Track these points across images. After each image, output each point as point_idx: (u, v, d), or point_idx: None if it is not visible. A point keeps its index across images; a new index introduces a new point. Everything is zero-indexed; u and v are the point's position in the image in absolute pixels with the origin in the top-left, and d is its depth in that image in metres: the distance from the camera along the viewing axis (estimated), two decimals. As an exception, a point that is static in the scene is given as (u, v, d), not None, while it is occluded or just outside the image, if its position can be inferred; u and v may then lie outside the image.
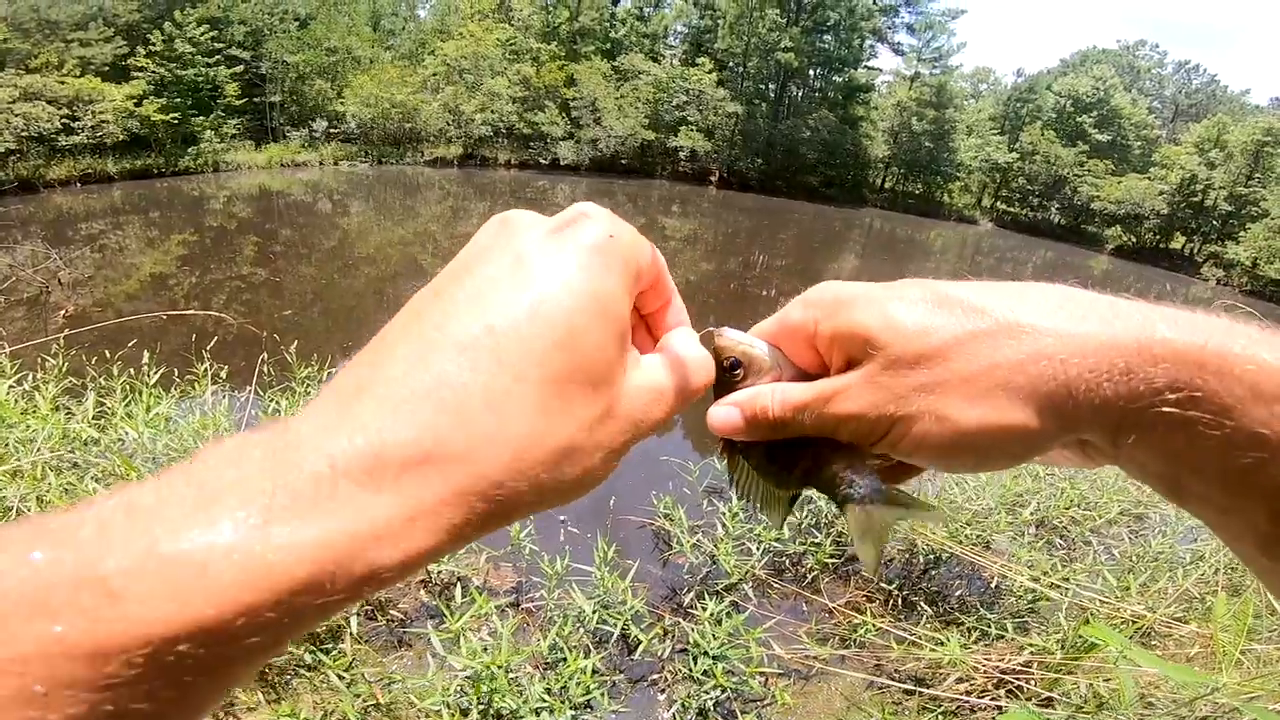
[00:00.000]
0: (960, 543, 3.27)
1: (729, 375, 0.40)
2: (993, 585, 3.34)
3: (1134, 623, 2.45)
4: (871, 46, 37.13)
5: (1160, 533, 3.44)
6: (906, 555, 3.67)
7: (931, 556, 3.51)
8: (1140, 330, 0.30)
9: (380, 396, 0.25)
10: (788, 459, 0.39)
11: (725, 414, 0.38)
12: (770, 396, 0.38)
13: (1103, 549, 3.35)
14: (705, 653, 3.12)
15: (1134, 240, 33.63)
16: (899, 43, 37.75)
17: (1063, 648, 2.66)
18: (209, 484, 0.22)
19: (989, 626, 3.08)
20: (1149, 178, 32.28)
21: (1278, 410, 0.27)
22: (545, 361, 0.26)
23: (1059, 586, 2.94)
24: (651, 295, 0.37)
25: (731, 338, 0.41)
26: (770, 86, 36.15)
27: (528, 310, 0.27)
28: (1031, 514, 3.38)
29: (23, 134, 17.96)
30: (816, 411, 0.36)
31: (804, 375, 0.39)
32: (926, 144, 35.56)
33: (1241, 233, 29.35)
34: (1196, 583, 2.76)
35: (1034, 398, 0.31)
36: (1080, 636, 2.54)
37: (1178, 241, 33.63)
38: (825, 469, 0.38)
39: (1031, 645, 2.79)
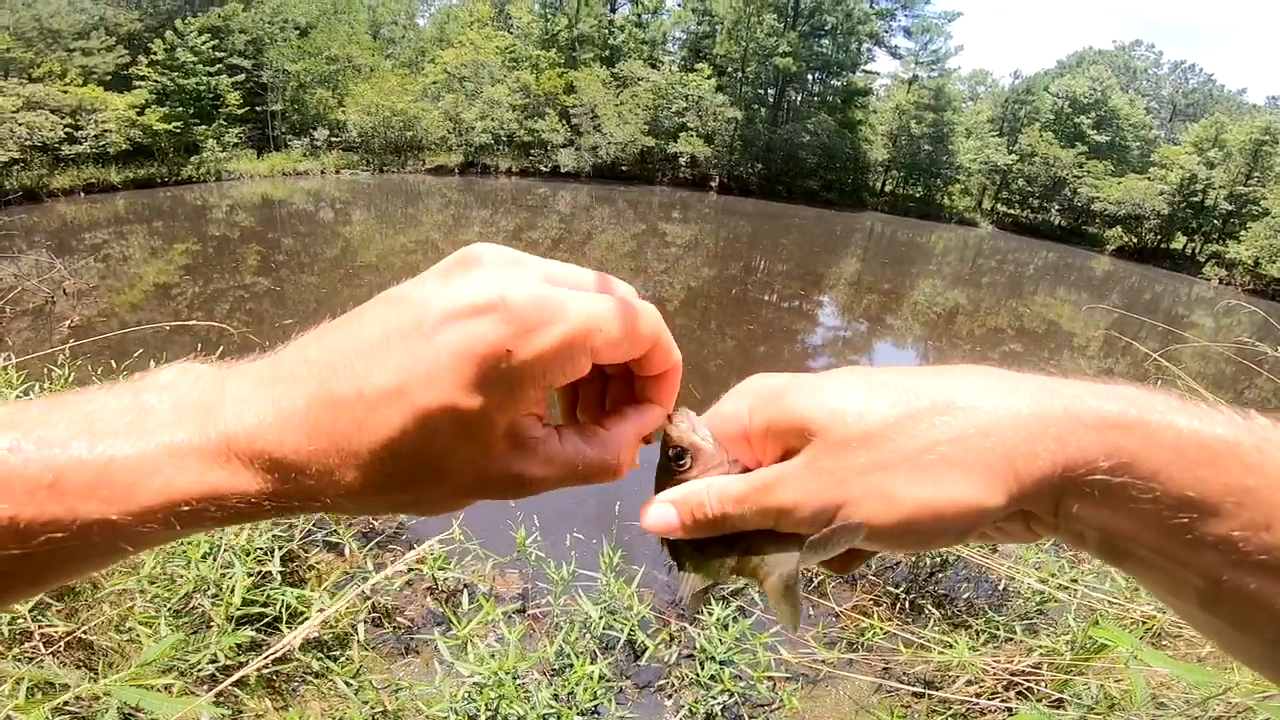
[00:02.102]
0: (967, 545, 3.26)
1: (675, 466, 0.38)
2: (1000, 588, 3.33)
3: (1144, 623, 2.44)
4: (869, 50, 37.26)
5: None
6: (913, 559, 3.66)
7: (938, 560, 3.51)
8: (1069, 402, 0.31)
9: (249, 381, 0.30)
10: (720, 551, 0.37)
11: (660, 513, 0.37)
12: (706, 493, 0.36)
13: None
14: (712, 658, 3.11)
15: (1135, 241, 33.59)
16: (896, 46, 37.91)
17: (1072, 649, 2.65)
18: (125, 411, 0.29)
19: (997, 629, 3.07)
20: (1148, 178, 32.27)
21: (1200, 473, 0.29)
22: (362, 447, 0.29)
23: (1067, 588, 2.93)
24: (642, 363, 0.37)
25: (682, 427, 0.39)
26: (769, 91, 36.26)
27: (367, 389, 0.29)
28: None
29: (26, 143, 18.05)
30: (756, 504, 0.35)
31: (750, 471, 0.37)
32: (926, 147, 35.61)
33: (1243, 232, 29.30)
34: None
35: (977, 470, 0.31)
36: (1090, 638, 2.53)
37: (1179, 241, 33.59)
38: (756, 559, 0.36)
39: (1041, 647, 2.78)
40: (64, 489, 0.26)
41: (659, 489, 0.39)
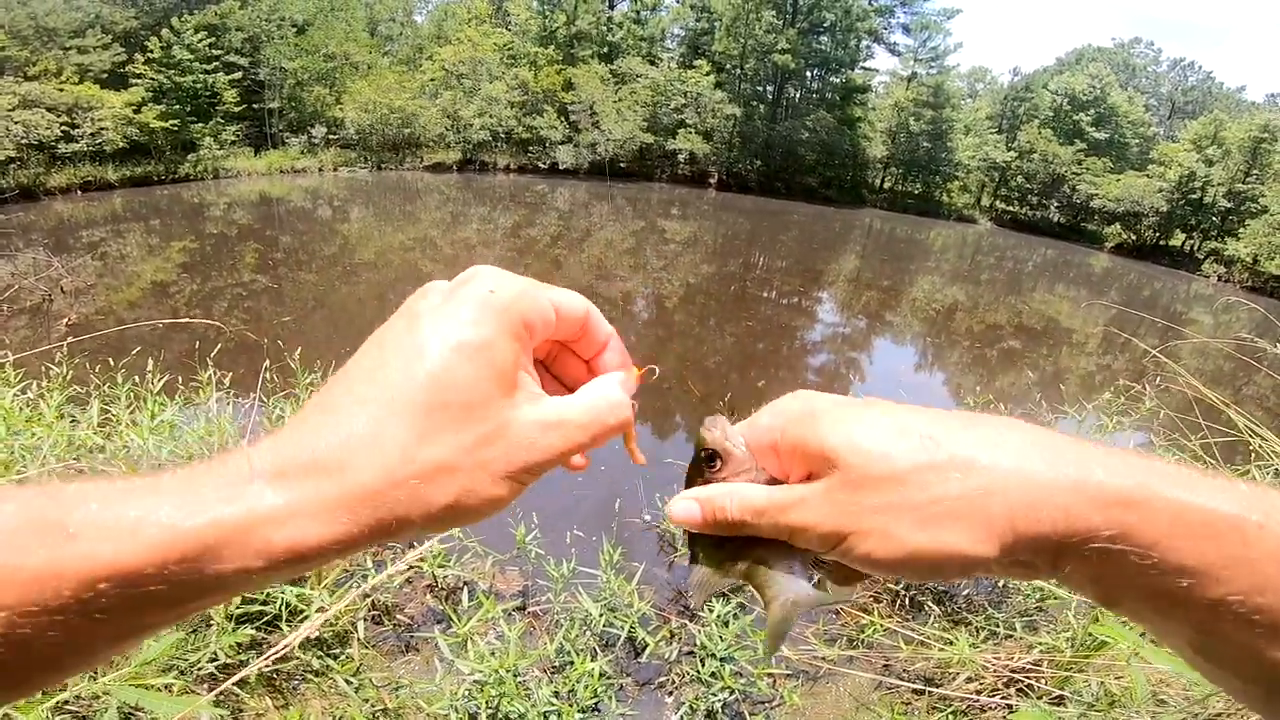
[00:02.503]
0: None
1: (706, 467, 0.41)
2: (1000, 584, 3.33)
3: (1144, 620, 2.44)
4: (868, 47, 37.22)
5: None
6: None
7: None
8: (1078, 473, 0.33)
9: (298, 429, 0.32)
10: (735, 551, 0.41)
11: (685, 508, 0.41)
12: (730, 498, 0.40)
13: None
14: (712, 655, 3.11)
15: (1134, 238, 33.61)
16: (895, 43, 37.87)
17: (1073, 646, 2.65)
18: (172, 477, 0.30)
19: (997, 626, 3.07)
20: (1147, 175, 32.28)
21: (1201, 546, 0.31)
22: (416, 394, 0.32)
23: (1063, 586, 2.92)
24: (584, 343, 0.42)
25: (715, 433, 0.42)
26: (768, 88, 36.21)
27: (407, 355, 0.33)
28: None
29: (23, 141, 18.01)
30: (773, 519, 0.38)
31: (775, 481, 0.40)
32: (924, 144, 35.60)
33: (1241, 229, 29.33)
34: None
35: (977, 525, 0.33)
36: (1090, 635, 2.53)
37: (1177, 239, 33.61)
38: (765, 570, 0.40)
39: (1041, 644, 2.78)
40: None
41: (688, 485, 0.42)
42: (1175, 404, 4.45)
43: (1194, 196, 31.22)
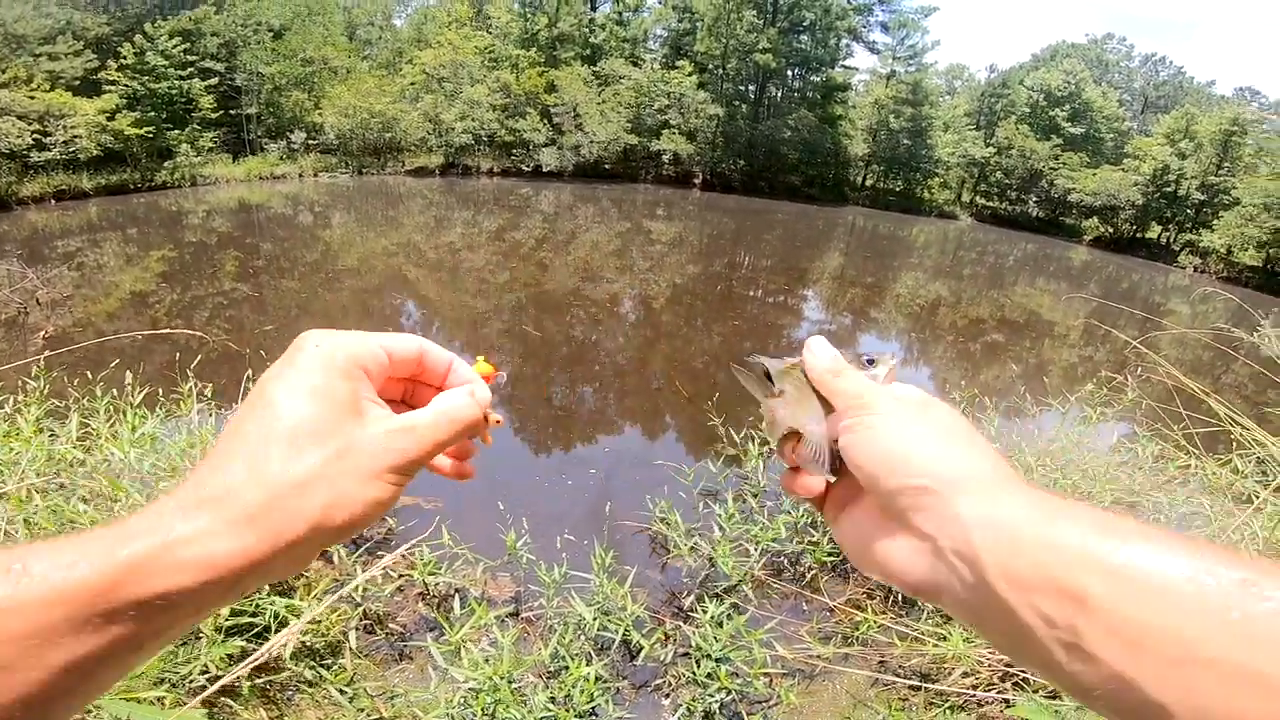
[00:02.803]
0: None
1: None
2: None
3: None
4: (847, 46, 37.48)
5: (1155, 519, 3.48)
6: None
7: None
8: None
9: (202, 471, 0.40)
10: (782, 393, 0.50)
11: (815, 342, 0.50)
12: (830, 355, 0.49)
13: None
14: (708, 655, 3.11)
15: (1111, 231, 34.13)
16: (874, 41, 38.19)
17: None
18: (106, 527, 0.37)
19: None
20: (1123, 169, 32.80)
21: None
22: (279, 431, 0.40)
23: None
24: (429, 374, 0.51)
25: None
26: (750, 88, 36.36)
27: (266, 405, 0.41)
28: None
29: (-8, 150, 17.61)
30: (833, 381, 0.48)
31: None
32: (905, 141, 35.92)
33: (1215, 221, 29.89)
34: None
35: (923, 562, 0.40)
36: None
37: (1154, 231, 34.19)
38: (795, 414, 0.49)
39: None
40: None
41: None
42: (1156, 394, 4.52)
43: (1168, 189, 31.77)
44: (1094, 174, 33.25)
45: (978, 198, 38.66)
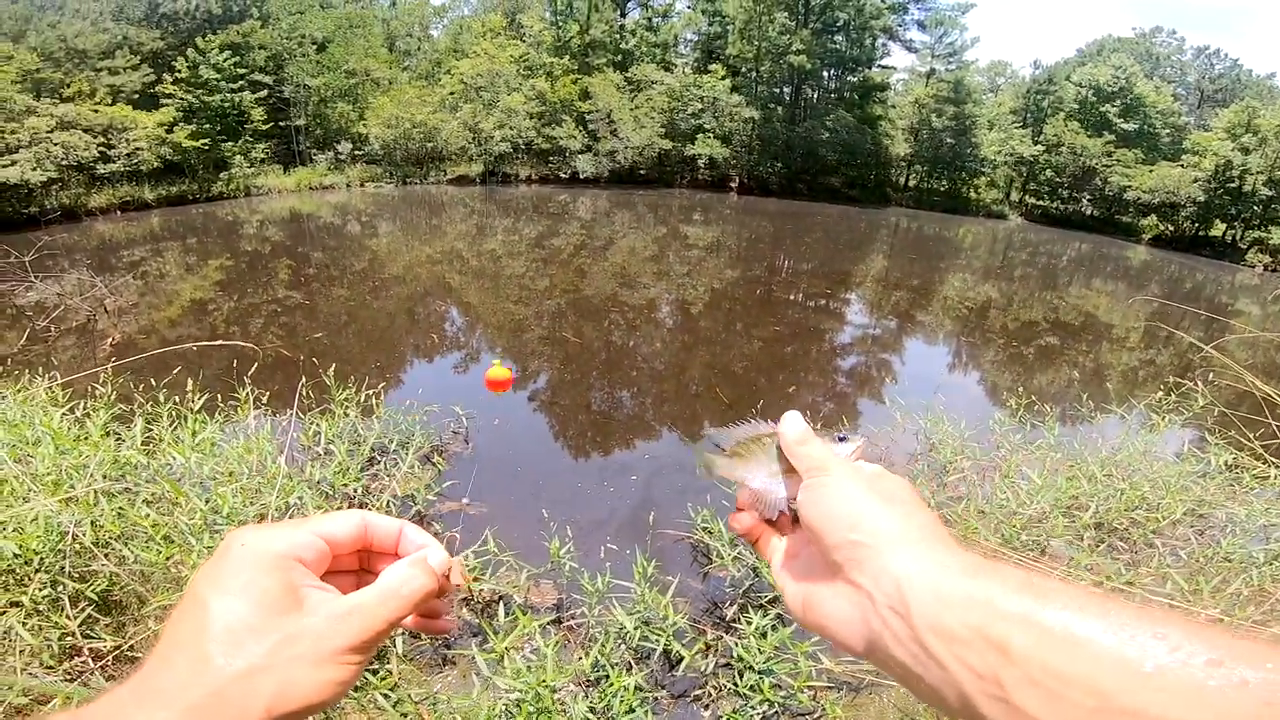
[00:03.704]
0: (1015, 548, 3.15)
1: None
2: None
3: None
4: (884, 45, 36.73)
5: (1229, 532, 3.27)
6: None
7: (983, 564, 3.39)
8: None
9: (151, 670, 0.41)
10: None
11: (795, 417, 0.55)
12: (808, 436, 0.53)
13: (1168, 551, 3.19)
14: (750, 667, 3.05)
15: (1172, 229, 32.53)
16: (911, 40, 37.32)
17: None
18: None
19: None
20: (1182, 165, 31.27)
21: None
22: (213, 631, 0.41)
23: (1124, 591, 2.80)
24: (380, 544, 0.52)
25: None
26: (785, 90, 35.98)
27: (199, 609, 0.42)
28: (1091, 517, 3.24)
29: (63, 163, 18.62)
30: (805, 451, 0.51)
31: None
32: (948, 140, 34.99)
33: (1285, 217, 28.24)
34: (1276, 583, 2.61)
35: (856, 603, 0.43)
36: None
37: (1218, 229, 32.46)
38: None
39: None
40: None
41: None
42: (1224, 399, 4.27)
43: (1232, 185, 30.13)
44: (1151, 171, 31.77)
45: (1027, 197, 37.36)
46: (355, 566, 0.53)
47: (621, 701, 2.78)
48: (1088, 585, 0.38)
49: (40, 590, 2.64)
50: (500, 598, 3.48)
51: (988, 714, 0.34)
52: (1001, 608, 0.35)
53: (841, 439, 0.55)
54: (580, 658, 3.03)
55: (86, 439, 3.46)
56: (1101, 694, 0.30)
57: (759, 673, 3.01)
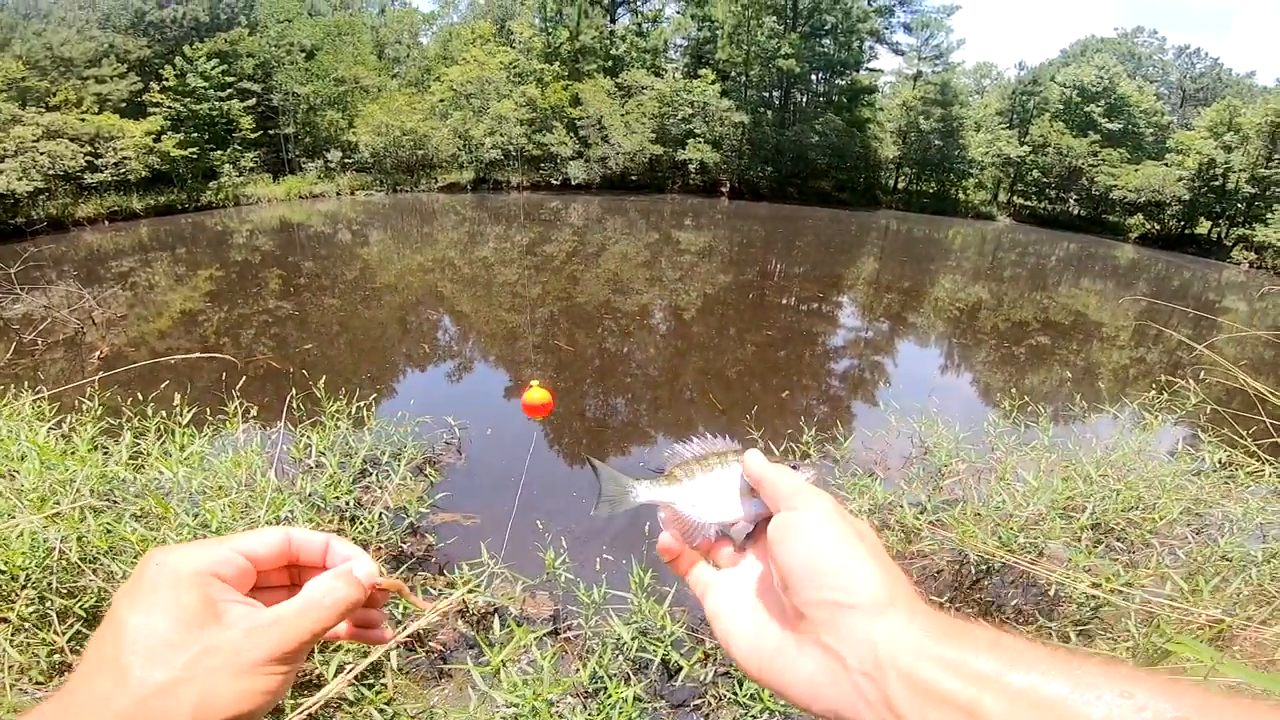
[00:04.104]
0: (1012, 551, 3.14)
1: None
2: (1050, 593, 3.20)
3: (1212, 627, 2.31)
4: (871, 48, 37.06)
5: (1227, 531, 3.28)
6: (956, 566, 3.54)
7: (983, 567, 3.38)
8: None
9: (78, 684, 0.43)
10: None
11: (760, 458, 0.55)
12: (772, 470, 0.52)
13: (1166, 551, 3.19)
14: (751, 676, 3.02)
15: (1158, 228, 32.89)
16: (898, 43, 37.69)
17: (1134, 655, 2.53)
18: None
19: (1050, 636, 2.95)
20: (1166, 164, 31.65)
21: None
22: (122, 642, 0.43)
23: (1122, 592, 2.80)
24: (306, 557, 0.53)
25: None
26: (774, 94, 36.18)
27: (118, 627, 0.44)
28: (1088, 518, 3.24)
29: (49, 172, 18.43)
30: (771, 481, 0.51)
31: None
32: (936, 142, 35.27)
33: (1269, 214, 28.57)
34: (1275, 582, 2.61)
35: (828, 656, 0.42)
36: (1154, 644, 2.41)
37: (1203, 226, 32.84)
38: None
39: (1098, 654, 2.66)
40: None
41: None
42: (1213, 396, 4.29)
43: (1216, 183, 30.51)
44: (1136, 170, 32.13)
45: (1015, 197, 37.68)
46: (287, 581, 0.53)
47: (620, 713, 2.74)
48: (1053, 646, 0.38)
49: (27, 606, 2.60)
50: (495, 610, 3.44)
51: None
52: (973, 672, 0.36)
53: (794, 468, 0.53)
54: (578, 669, 3.00)
55: (73, 454, 3.40)
56: None
57: (759, 681, 2.98)
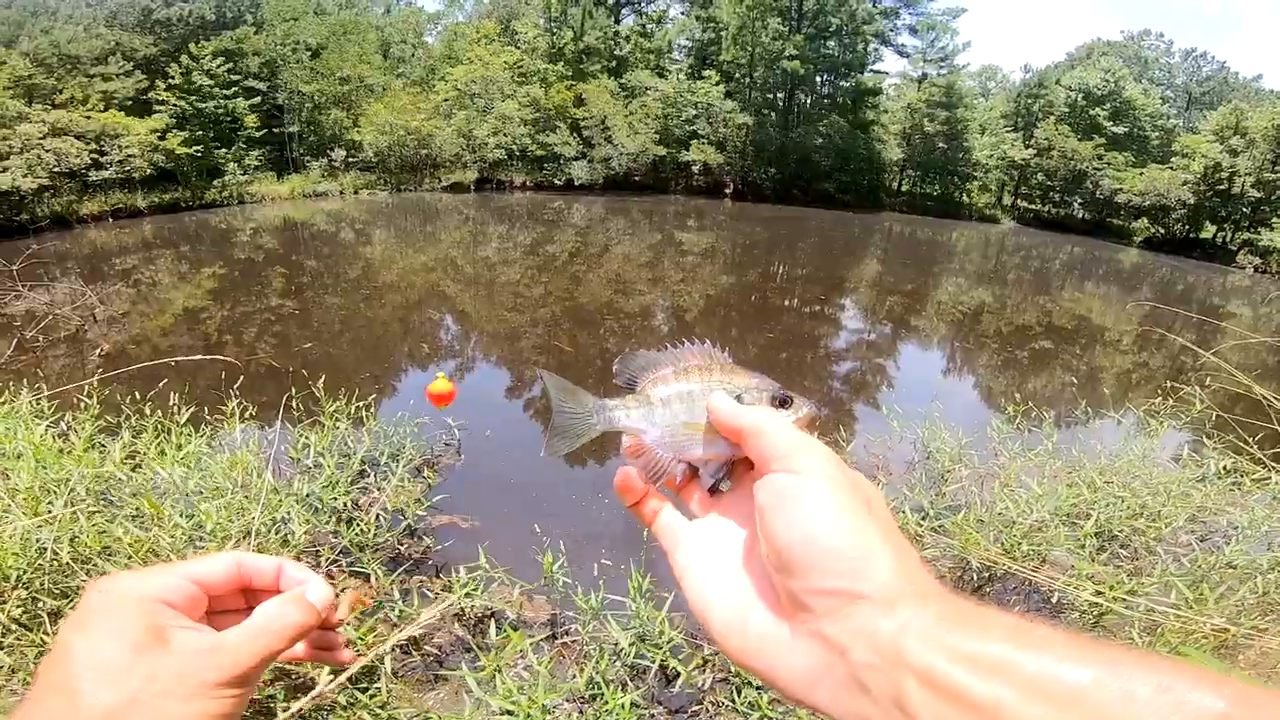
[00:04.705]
0: (1015, 558, 3.11)
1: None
2: (1053, 600, 3.16)
3: (1217, 636, 2.28)
4: (876, 50, 36.95)
5: (1233, 539, 3.24)
6: (958, 573, 3.50)
7: (985, 574, 3.35)
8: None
9: (32, 708, 0.43)
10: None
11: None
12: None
13: (1170, 559, 3.15)
14: (749, 682, 3.00)
15: (1163, 231, 32.76)
16: (902, 45, 37.59)
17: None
18: None
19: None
20: (1171, 168, 31.52)
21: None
22: (69, 668, 0.43)
23: (1126, 600, 2.76)
24: (259, 582, 0.53)
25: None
26: (778, 95, 36.11)
27: (64, 653, 0.44)
28: (1092, 525, 3.20)
29: (54, 169, 18.44)
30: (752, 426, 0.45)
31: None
32: (940, 145, 35.19)
33: (1275, 219, 28.44)
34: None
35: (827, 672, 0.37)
36: (1157, 653, 2.36)
37: (1208, 231, 32.71)
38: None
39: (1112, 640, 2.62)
40: None
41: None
42: (1217, 401, 4.25)
43: (1221, 187, 30.38)
44: (1141, 173, 32.00)
45: (1019, 200, 37.57)
46: (242, 605, 0.53)
47: (617, 719, 2.72)
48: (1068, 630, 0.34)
49: (18, 607, 2.58)
50: (492, 614, 3.41)
51: None
52: (991, 663, 0.32)
53: (781, 403, 0.43)
54: (574, 675, 2.97)
55: (69, 453, 3.39)
56: None
57: (757, 688, 2.96)
